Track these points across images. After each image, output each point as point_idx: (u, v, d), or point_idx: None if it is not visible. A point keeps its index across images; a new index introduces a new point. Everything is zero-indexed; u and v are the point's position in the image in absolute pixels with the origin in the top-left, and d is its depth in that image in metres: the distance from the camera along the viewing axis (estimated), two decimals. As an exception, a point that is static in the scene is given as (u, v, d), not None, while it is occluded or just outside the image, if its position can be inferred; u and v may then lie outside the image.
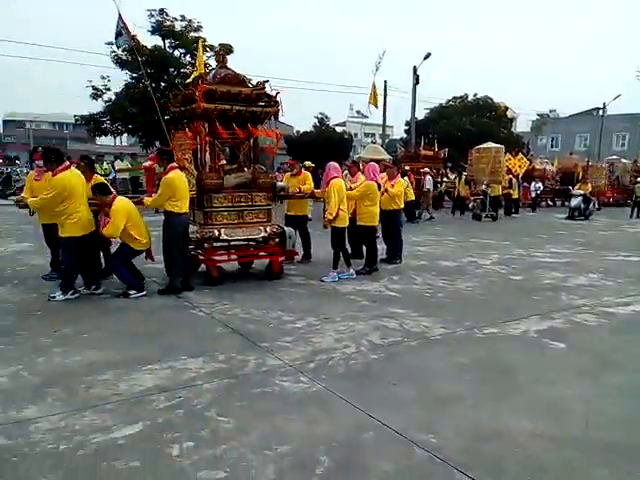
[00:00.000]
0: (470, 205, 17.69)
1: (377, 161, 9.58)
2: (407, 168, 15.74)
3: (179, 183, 6.28)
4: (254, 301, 6.19)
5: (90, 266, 6.24)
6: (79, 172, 6.11)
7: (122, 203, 6.12)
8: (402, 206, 9.01)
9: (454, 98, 38.70)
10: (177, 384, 3.81)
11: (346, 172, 9.43)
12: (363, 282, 7.35)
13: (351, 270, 7.57)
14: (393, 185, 8.68)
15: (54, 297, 5.89)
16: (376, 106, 23.06)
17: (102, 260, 6.79)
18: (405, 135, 36.97)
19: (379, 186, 7.97)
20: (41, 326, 5.01)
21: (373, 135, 67.13)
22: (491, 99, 37.43)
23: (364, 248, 8.24)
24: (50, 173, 5.92)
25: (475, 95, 37.94)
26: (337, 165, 7.54)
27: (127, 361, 4.19)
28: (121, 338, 4.78)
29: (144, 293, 6.20)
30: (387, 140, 34.11)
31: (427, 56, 26.14)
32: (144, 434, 3.11)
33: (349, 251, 7.78)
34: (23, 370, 3.94)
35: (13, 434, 3.05)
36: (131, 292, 6.13)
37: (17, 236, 10.36)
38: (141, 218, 6.38)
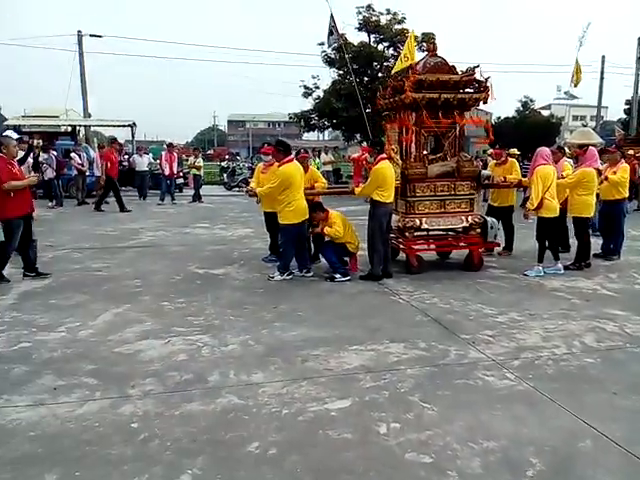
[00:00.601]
0: None
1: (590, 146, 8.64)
2: (630, 152, 13.79)
3: (387, 173, 6.47)
4: (453, 292, 6.12)
5: (302, 251, 6.82)
6: (299, 165, 6.70)
7: (336, 214, 6.82)
8: (626, 195, 7.99)
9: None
10: (381, 366, 3.99)
11: None
12: (573, 278, 6.74)
13: (559, 264, 6.99)
14: (615, 172, 7.76)
15: (273, 277, 6.58)
16: (576, 85, 20.62)
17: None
18: (625, 116, 32.51)
19: (599, 173, 7.19)
20: (263, 302, 5.65)
21: (583, 118, 60.28)
22: None
23: (572, 241, 7.55)
24: (276, 164, 6.63)
25: None
26: (547, 152, 6.97)
27: (335, 340, 4.52)
28: (330, 318, 5.15)
29: (348, 278, 6.58)
30: (601, 122, 30.41)
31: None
32: (353, 409, 3.33)
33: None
34: (251, 340, 4.51)
35: (243, 395, 3.51)
36: (337, 276, 6.56)
37: (241, 223, 11.71)
38: (351, 226, 6.95)
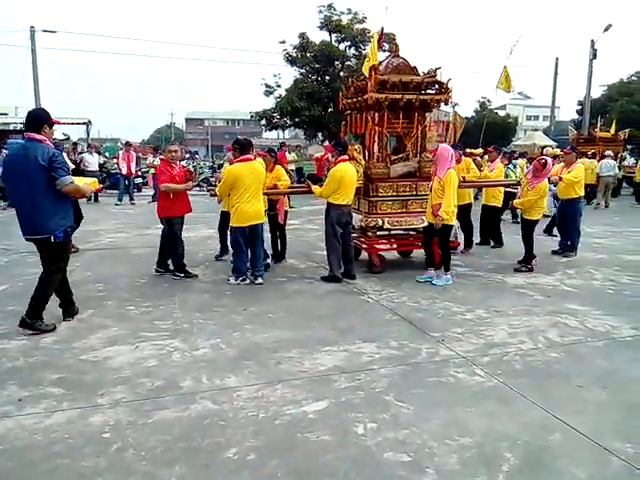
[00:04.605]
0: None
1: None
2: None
3: (344, 175, 6.37)
4: (420, 290, 6.21)
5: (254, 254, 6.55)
6: (256, 165, 6.38)
7: None
8: (582, 194, 8.28)
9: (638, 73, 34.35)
10: (355, 366, 4.01)
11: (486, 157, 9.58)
12: (534, 275, 6.97)
13: (448, 275, 6.60)
14: (570, 171, 8.04)
15: (229, 281, 6.43)
16: (508, 91, 21.34)
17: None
18: (577, 116, 33.80)
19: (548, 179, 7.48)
20: (232, 304, 5.57)
21: (536, 117, 62.17)
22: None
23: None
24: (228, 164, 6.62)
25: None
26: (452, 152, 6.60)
27: (308, 341, 4.51)
28: (300, 319, 5.13)
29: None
30: (554, 121, 31.47)
31: (607, 28, 23.45)
32: (330, 411, 3.33)
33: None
34: (222, 343, 4.45)
35: (218, 400, 3.46)
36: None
37: (204, 223, 11.45)
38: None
